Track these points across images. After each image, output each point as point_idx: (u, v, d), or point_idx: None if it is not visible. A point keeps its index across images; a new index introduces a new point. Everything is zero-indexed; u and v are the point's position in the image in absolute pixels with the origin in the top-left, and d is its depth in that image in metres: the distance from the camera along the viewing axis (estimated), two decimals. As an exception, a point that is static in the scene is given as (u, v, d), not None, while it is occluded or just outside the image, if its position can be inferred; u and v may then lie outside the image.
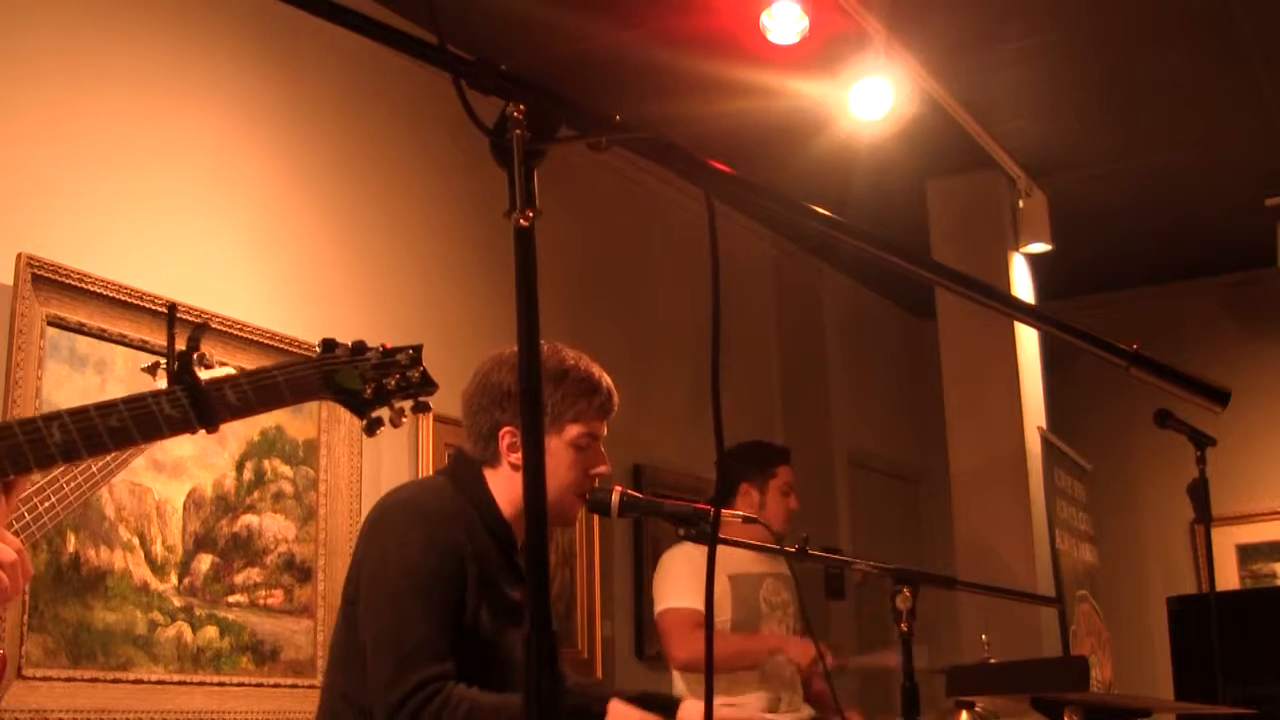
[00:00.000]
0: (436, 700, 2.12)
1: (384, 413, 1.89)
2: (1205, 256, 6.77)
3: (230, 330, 3.42)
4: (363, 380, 1.81)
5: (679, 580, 3.85)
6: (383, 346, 1.86)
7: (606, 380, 2.41)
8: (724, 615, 3.85)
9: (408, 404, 1.90)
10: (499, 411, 2.36)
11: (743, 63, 4.35)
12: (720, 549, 4.00)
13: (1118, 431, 6.82)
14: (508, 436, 2.36)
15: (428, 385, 1.88)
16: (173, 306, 1.73)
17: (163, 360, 2.01)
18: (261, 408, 1.75)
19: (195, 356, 1.71)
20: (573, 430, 2.36)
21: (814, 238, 6.22)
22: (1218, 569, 5.76)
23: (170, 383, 1.63)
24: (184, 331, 1.67)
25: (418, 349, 1.89)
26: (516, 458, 2.34)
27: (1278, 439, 6.73)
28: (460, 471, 2.40)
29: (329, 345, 1.83)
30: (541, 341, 2.42)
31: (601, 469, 2.41)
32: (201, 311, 3.33)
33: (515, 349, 2.41)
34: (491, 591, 2.27)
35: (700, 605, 3.77)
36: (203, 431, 1.63)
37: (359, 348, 1.84)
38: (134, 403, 1.58)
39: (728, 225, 5.74)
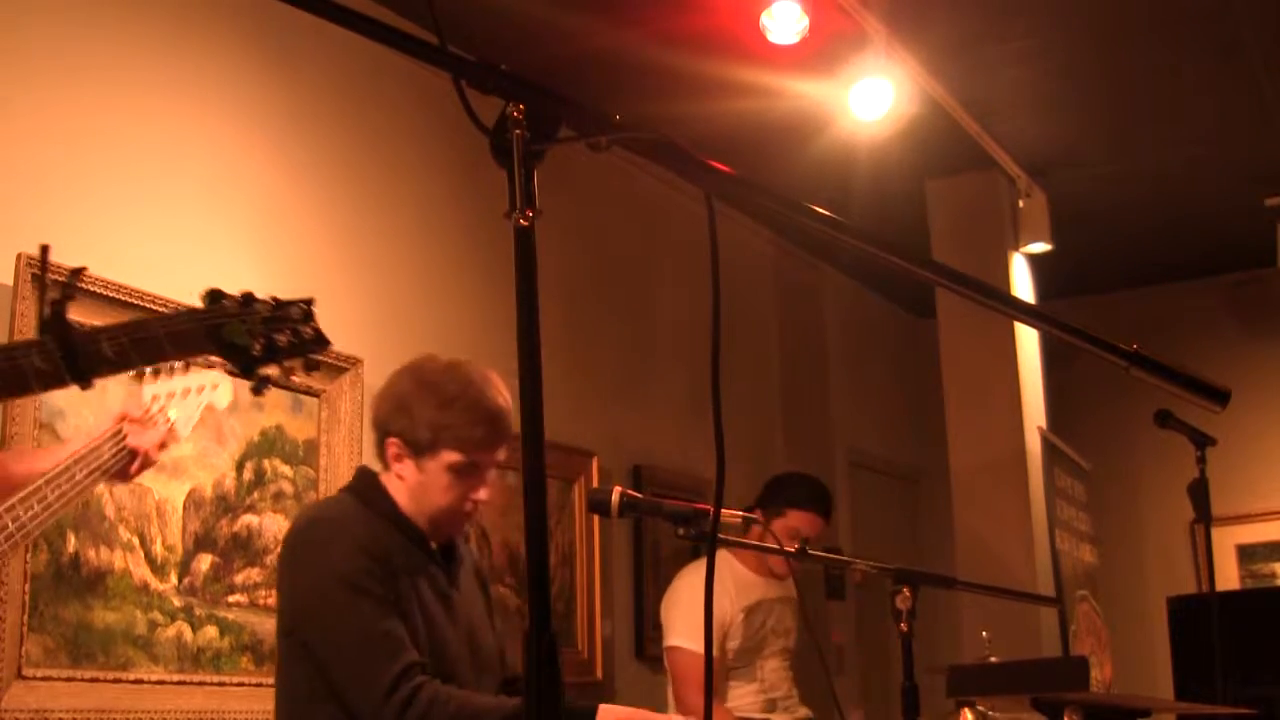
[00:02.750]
0: (425, 692, 2.13)
1: (273, 371, 1.77)
2: (1205, 256, 6.77)
3: (230, 330, 3.42)
4: (251, 335, 1.69)
5: (690, 619, 3.79)
6: (273, 299, 1.74)
7: (503, 409, 2.34)
8: (731, 644, 3.83)
9: (298, 362, 1.79)
10: (391, 421, 2.36)
11: (743, 63, 4.35)
12: (738, 578, 4.00)
13: (1118, 431, 6.81)
14: (392, 447, 2.36)
15: (320, 341, 1.77)
16: (45, 249, 1.62)
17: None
18: (141, 362, 1.62)
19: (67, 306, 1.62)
20: (449, 457, 2.32)
21: (814, 238, 6.22)
22: (1218, 569, 5.76)
23: (41, 332, 1.53)
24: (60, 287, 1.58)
25: (309, 302, 1.78)
26: (400, 468, 2.36)
27: (1278, 439, 6.73)
28: (360, 484, 2.42)
29: (215, 296, 1.71)
30: (447, 359, 2.41)
31: (481, 495, 2.37)
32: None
33: (427, 356, 2.41)
34: (419, 586, 2.30)
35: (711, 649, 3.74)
36: (75, 387, 1.53)
37: (248, 299, 1.72)
38: (1, 354, 1.51)
39: (728, 225, 5.74)
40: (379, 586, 2.20)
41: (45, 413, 2.94)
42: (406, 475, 2.35)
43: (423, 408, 2.32)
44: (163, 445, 2.19)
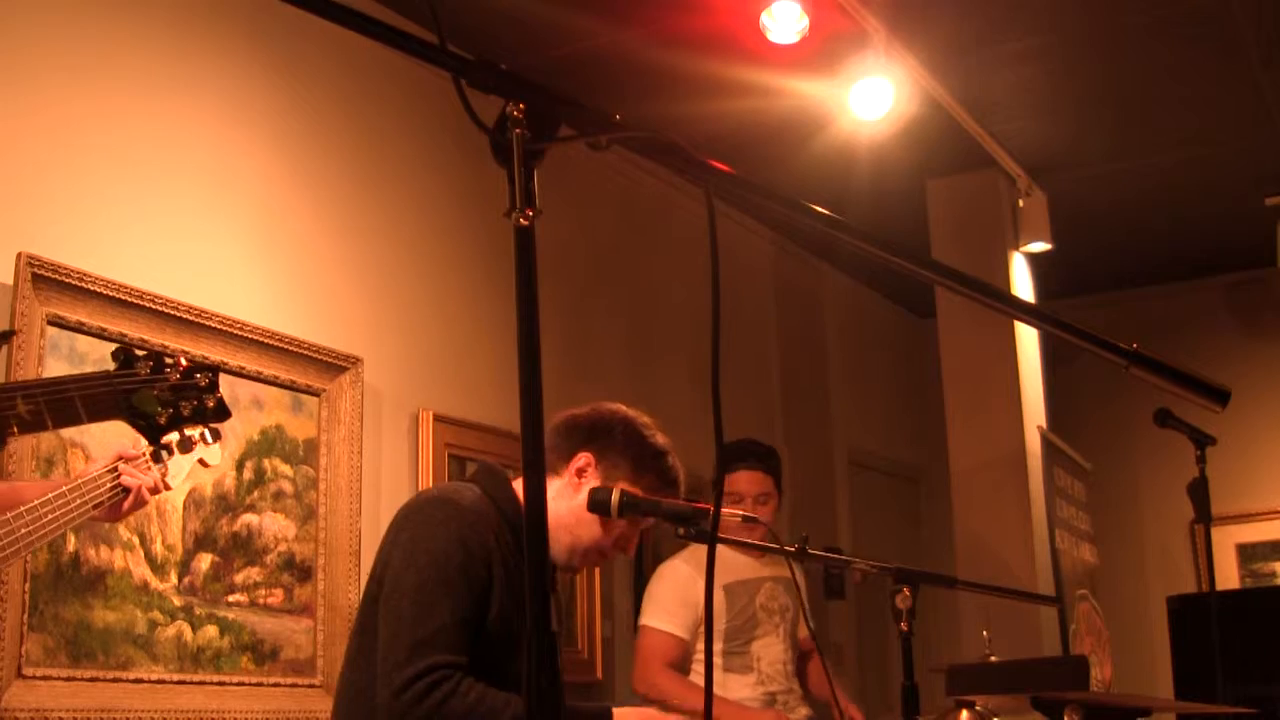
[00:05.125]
0: (446, 685, 2.13)
1: (173, 438, 1.90)
2: (1205, 256, 6.78)
3: (230, 330, 3.42)
4: (160, 404, 1.79)
5: (663, 599, 3.80)
6: (179, 364, 1.83)
7: (683, 481, 2.46)
8: (719, 623, 3.80)
9: (198, 429, 1.91)
10: (594, 438, 2.41)
11: (743, 63, 4.35)
12: (716, 557, 3.95)
13: (1118, 431, 6.82)
14: (582, 460, 2.40)
15: (221, 413, 1.88)
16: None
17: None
18: (55, 425, 1.72)
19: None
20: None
21: (814, 238, 6.22)
22: (1218, 568, 5.76)
23: None
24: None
25: (215, 371, 1.87)
26: (581, 483, 2.38)
27: (1278, 439, 6.73)
28: (487, 478, 2.43)
29: (127, 360, 1.80)
30: (643, 415, 2.45)
31: (630, 551, 2.42)
32: (201, 311, 3.33)
33: (639, 417, 2.45)
34: (516, 594, 2.29)
35: (679, 630, 3.74)
36: None
37: (158, 363, 1.80)
38: None
39: (728, 225, 5.74)
40: (464, 584, 2.21)
41: (45, 412, 2.94)
42: (581, 495, 2.37)
43: (633, 443, 2.40)
44: (154, 490, 2.23)
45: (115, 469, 2.15)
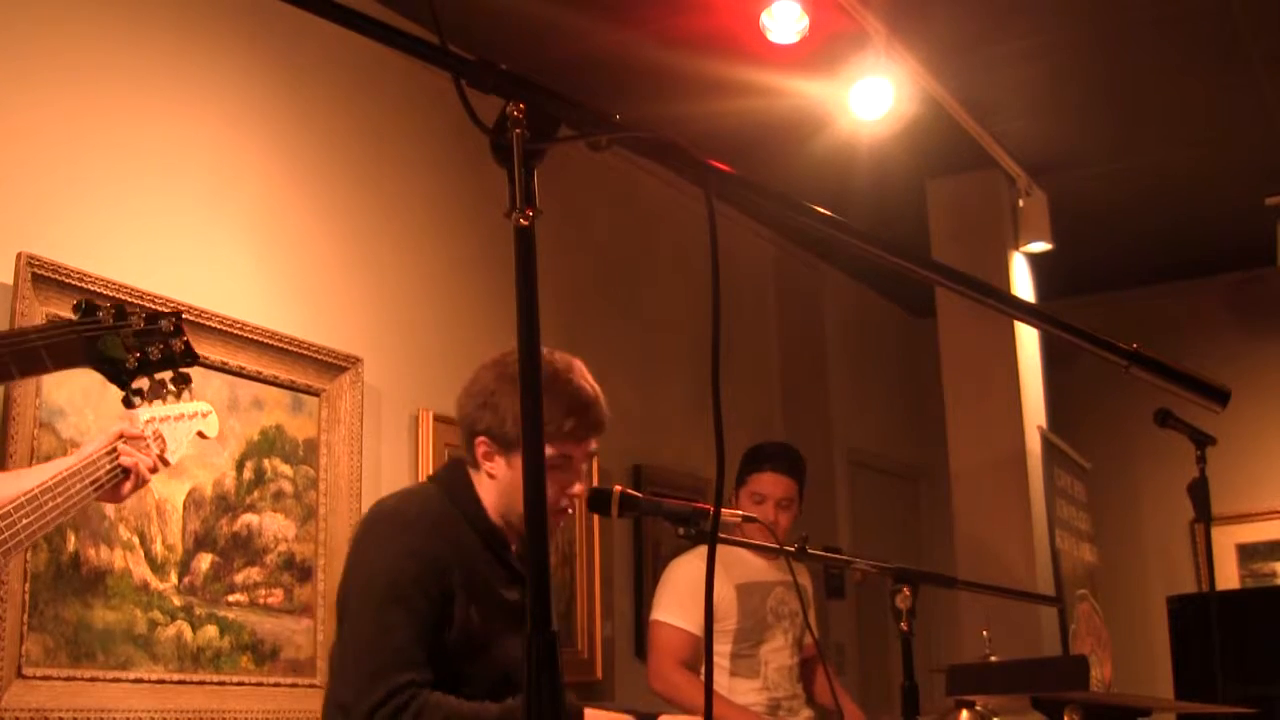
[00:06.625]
0: (411, 709, 2.11)
1: (144, 383, 1.87)
2: (1205, 256, 6.78)
3: (230, 330, 3.42)
4: (126, 349, 1.77)
5: (677, 595, 3.78)
6: (143, 310, 1.83)
7: (592, 397, 2.32)
8: (729, 624, 3.81)
9: (168, 374, 1.89)
10: (477, 418, 2.33)
11: (743, 63, 4.35)
12: (730, 557, 3.94)
13: (1118, 431, 6.82)
14: (482, 445, 2.33)
15: (190, 356, 1.86)
16: None
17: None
18: (20, 375, 1.72)
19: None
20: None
21: (814, 238, 6.22)
22: (1218, 568, 5.77)
23: None
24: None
25: (179, 316, 1.86)
26: (491, 467, 2.33)
27: (1278, 439, 6.73)
28: (449, 477, 2.39)
29: (90, 309, 1.77)
30: (502, 357, 2.39)
31: (576, 489, 2.34)
32: (201, 311, 3.33)
33: (509, 350, 2.38)
34: (484, 595, 2.26)
35: (693, 627, 3.72)
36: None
37: (120, 311, 1.79)
38: None
39: (728, 225, 5.74)
40: (420, 599, 2.18)
41: (45, 412, 2.94)
42: (498, 473, 2.32)
43: (509, 401, 2.28)
44: (153, 469, 2.20)
45: (114, 449, 2.11)
